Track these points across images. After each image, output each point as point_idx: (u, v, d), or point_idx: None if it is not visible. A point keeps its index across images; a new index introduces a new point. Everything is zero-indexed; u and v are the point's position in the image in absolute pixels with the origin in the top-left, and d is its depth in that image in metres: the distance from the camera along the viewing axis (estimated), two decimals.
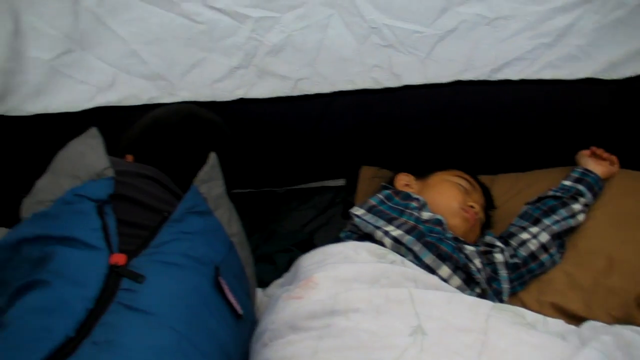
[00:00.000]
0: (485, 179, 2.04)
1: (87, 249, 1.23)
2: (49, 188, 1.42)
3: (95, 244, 1.24)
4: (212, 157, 1.54)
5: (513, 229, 1.87)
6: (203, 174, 1.48)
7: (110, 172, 1.40)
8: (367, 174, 2.15)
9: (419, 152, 2.09)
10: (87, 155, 1.45)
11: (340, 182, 2.26)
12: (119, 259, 1.22)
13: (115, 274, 1.19)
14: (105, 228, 1.28)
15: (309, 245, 2.00)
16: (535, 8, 1.82)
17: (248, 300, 1.46)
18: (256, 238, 1.94)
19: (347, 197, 2.19)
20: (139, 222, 1.35)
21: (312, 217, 2.21)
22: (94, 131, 1.53)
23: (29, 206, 1.42)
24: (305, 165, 2.16)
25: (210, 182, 1.49)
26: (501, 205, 2.02)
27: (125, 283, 1.18)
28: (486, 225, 1.94)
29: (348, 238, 1.79)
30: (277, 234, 2.12)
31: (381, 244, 1.67)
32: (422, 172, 1.98)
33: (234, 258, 1.44)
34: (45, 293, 1.15)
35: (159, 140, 1.67)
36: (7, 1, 1.74)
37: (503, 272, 1.75)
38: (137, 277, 1.19)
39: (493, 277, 1.74)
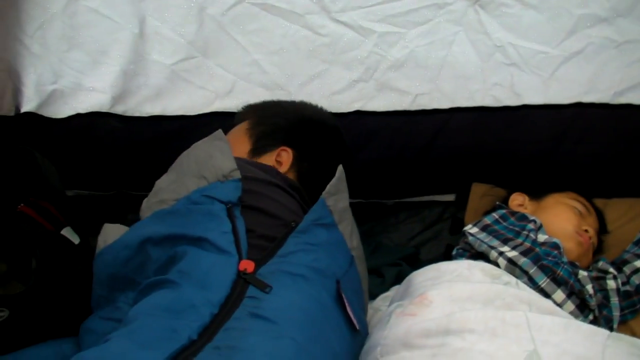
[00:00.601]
0: (598, 202, 2.05)
1: (217, 253, 1.28)
2: (172, 187, 1.48)
3: (226, 248, 1.29)
4: (340, 170, 1.56)
5: (627, 256, 1.89)
6: (331, 186, 1.50)
7: (237, 174, 1.45)
8: (479, 191, 2.17)
9: (534, 172, 2.11)
10: (215, 157, 1.50)
11: (450, 197, 2.29)
12: (248, 265, 1.26)
13: (243, 281, 1.24)
14: (235, 232, 1.33)
15: (415, 259, 2.07)
16: None
17: (363, 314, 1.50)
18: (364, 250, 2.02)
19: (456, 213, 2.23)
20: (266, 232, 1.39)
21: (419, 231, 2.26)
22: (220, 133, 1.58)
23: (150, 205, 1.48)
24: (416, 179, 2.20)
25: (337, 194, 1.52)
26: (614, 230, 2.03)
27: (251, 290, 1.23)
28: (598, 249, 1.96)
29: (460, 256, 1.84)
30: (384, 246, 2.17)
31: (495, 264, 1.70)
32: (536, 193, 2.01)
33: (354, 272, 1.48)
34: (173, 293, 1.21)
35: (315, 136, 1.72)
36: (134, 4, 1.81)
37: (615, 299, 1.77)
38: (264, 287, 1.23)
39: (604, 304, 1.75)
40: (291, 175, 1.65)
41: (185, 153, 1.57)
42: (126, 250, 1.37)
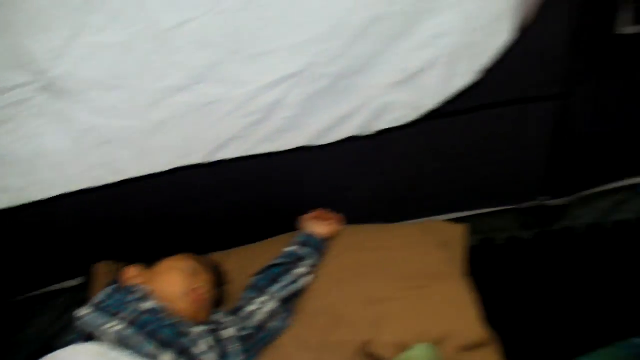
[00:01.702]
0: (219, 255, 2.29)
1: None
2: None
3: None
4: None
5: (242, 303, 2.13)
6: None
7: None
8: (103, 270, 2.34)
9: (151, 242, 2.30)
10: None
11: (80, 281, 2.44)
12: None
13: None
14: None
15: (49, 351, 2.17)
16: (241, 90, 2.09)
17: None
18: None
19: (85, 296, 2.32)
20: None
21: (51, 322, 2.35)
22: None
23: None
24: (41, 269, 2.33)
25: None
26: (236, 278, 2.26)
27: None
28: (220, 301, 2.19)
29: (76, 341, 1.91)
30: (13, 345, 2.23)
31: (106, 341, 1.83)
32: (150, 261, 2.17)
33: None
34: None
35: None
36: None
37: (233, 347, 1.98)
38: None
39: (225, 354, 1.95)
40: None
41: None
42: None
